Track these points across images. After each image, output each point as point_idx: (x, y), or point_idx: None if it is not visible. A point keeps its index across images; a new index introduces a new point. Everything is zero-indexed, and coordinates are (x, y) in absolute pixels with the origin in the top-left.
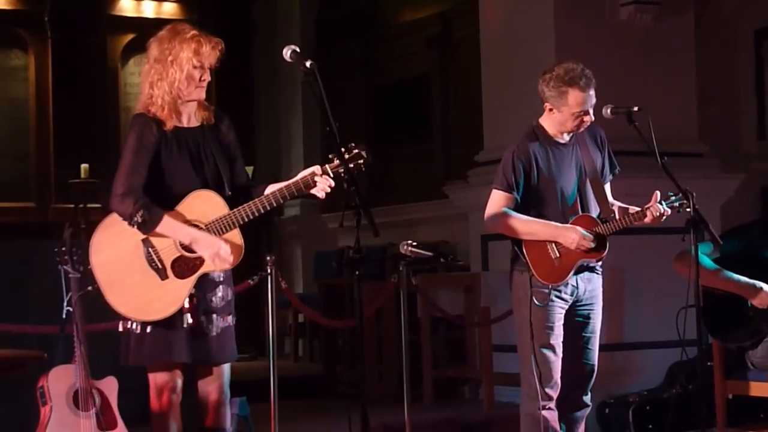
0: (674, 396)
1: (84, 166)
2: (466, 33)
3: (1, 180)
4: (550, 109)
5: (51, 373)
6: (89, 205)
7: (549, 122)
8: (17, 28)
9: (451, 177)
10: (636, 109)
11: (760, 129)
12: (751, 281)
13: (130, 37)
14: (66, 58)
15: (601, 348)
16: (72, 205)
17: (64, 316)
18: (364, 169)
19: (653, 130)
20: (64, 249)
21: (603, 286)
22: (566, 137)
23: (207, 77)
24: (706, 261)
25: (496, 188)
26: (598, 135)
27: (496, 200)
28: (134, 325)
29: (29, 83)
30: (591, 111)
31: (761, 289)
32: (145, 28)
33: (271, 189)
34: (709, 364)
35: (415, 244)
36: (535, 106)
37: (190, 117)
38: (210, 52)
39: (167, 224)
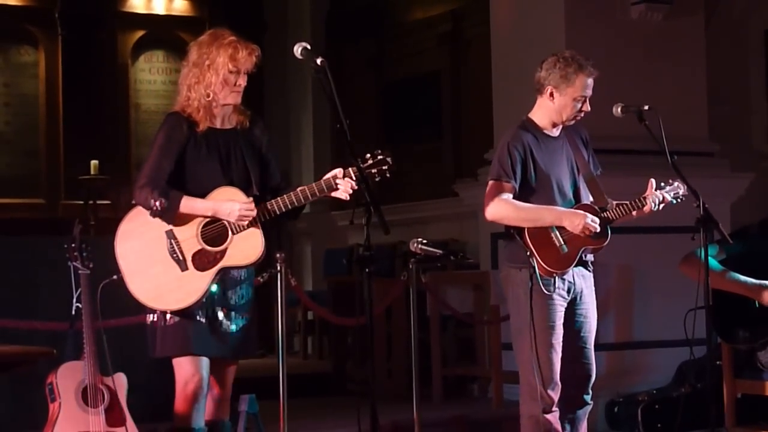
0: (683, 395)
1: (94, 162)
2: (477, 31)
3: (11, 176)
4: (551, 94)
5: (60, 369)
6: (99, 202)
7: (542, 112)
8: (28, 24)
9: (461, 175)
10: (646, 108)
11: None
12: (758, 282)
13: (140, 33)
14: (76, 55)
15: (610, 347)
16: (81, 202)
17: (73, 312)
18: (388, 175)
19: (663, 129)
20: (73, 245)
21: (607, 285)
22: (556, 131)
23: (243, 82)
24: (713, 263)
25: (492, 179)
26: (582, 134)
27: (494, 190)
28: (158, 318)
29: (39, 80)
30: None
31: None
32: (156, 25)
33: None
34: (718, 363)
35: (425, 241)
36: None
37: (225, 119)
38: (246, 58)
39: (187, 204)
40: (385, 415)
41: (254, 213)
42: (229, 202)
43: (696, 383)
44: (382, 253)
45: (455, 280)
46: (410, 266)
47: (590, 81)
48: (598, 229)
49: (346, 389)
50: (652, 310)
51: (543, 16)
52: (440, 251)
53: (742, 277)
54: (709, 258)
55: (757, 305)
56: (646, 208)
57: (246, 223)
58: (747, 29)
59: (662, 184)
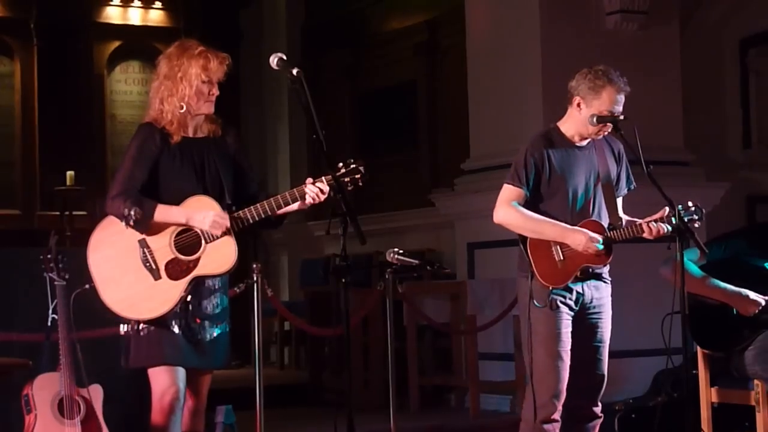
0: (660, 404)
1: (70, 173)
2: (453, 41)
3: None
4: (578, 105)
5: (36, 381)
6: (75, 213)
7: (570, 123)
8: (3, 35)
9: (437, 185)
10: (622, 117)
11: (746, 138)
12: (737, 289)
13: (116, 44)
14: (52, 65)
15: None
16: (57, 213)
17: (49, 323)
18: (361, 184)
19: (639, 139)
20: (49, 256)
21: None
22: (584, 142)
23: (215, 92)
24: (693, 268)
25: (506, 183)
26: (616, 148)
27: (506, 195)
28: (131, 328)
29: (15, 90)
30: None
31: (747, 296)
32: (132, 36)
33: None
34: (694, 372)
35: (401, 251)
36: (521, 113)
37: (197, 129)
38: (218, 67)
39: (161, 212)
40: (362, 426)
41: (227, 222)
42: (204, 210)
43: (672, 392)
44: (358, 263)
45: (432, 290)
46: (387, 276)
47: (620, 97)
48: (601, 248)
49: (323, 400)
50: (628, 319)
51: (518, 26)
52: (416, 261)
53: (722, 284)
54: (690, 263)
55: (735, 312)
56: (645, 234)
57: (219, 232)
58: (722, 38)
59: (680, 207)
